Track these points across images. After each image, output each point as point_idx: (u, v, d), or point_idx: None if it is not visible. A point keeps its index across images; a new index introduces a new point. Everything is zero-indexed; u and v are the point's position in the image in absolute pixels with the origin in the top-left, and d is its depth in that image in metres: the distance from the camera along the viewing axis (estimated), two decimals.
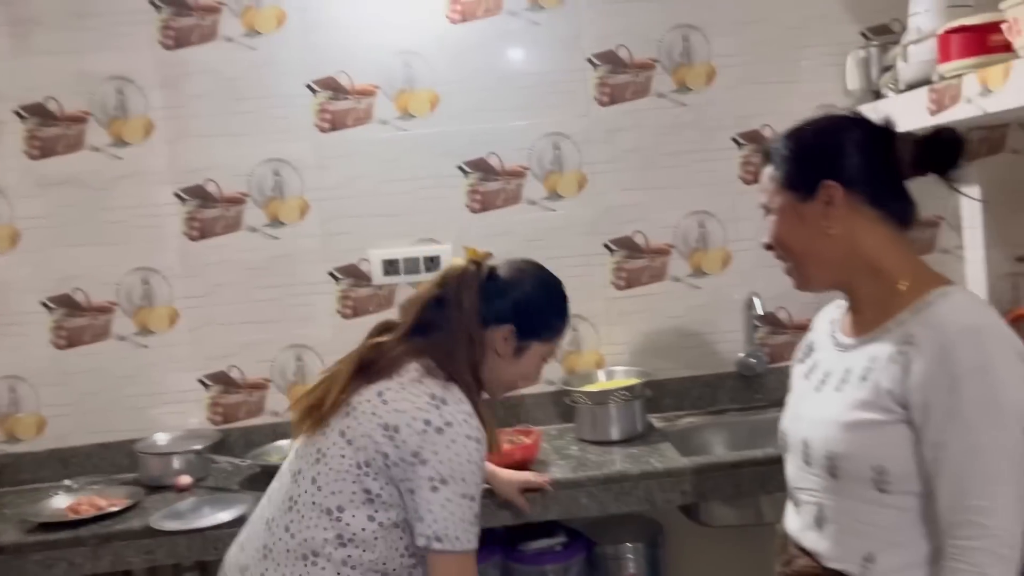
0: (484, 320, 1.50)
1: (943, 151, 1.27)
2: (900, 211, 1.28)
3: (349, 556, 1.39)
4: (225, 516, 1.99)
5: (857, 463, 1.19)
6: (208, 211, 2.44)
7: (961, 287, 1.25)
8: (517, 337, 1.53)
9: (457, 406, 1.41)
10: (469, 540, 1.39)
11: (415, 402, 1.40)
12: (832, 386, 1.27)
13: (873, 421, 1.18)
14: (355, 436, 1.41)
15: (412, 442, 1.37)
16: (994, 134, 2.39)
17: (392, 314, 2.48)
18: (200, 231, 2.44)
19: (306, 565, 1.39)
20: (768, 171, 1.33)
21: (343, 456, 1.41)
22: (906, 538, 1.17)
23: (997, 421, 1.11)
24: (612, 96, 2.49)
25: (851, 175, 1.25)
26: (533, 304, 1.56)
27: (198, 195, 2.43)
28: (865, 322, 1.28)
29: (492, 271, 1.58)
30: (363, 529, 1.39)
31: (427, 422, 1.38)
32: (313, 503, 1.41)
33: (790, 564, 1.31)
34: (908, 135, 1.28)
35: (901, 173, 1.28)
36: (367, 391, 1.45)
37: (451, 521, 1.36)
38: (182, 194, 2.43)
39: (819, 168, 1.26)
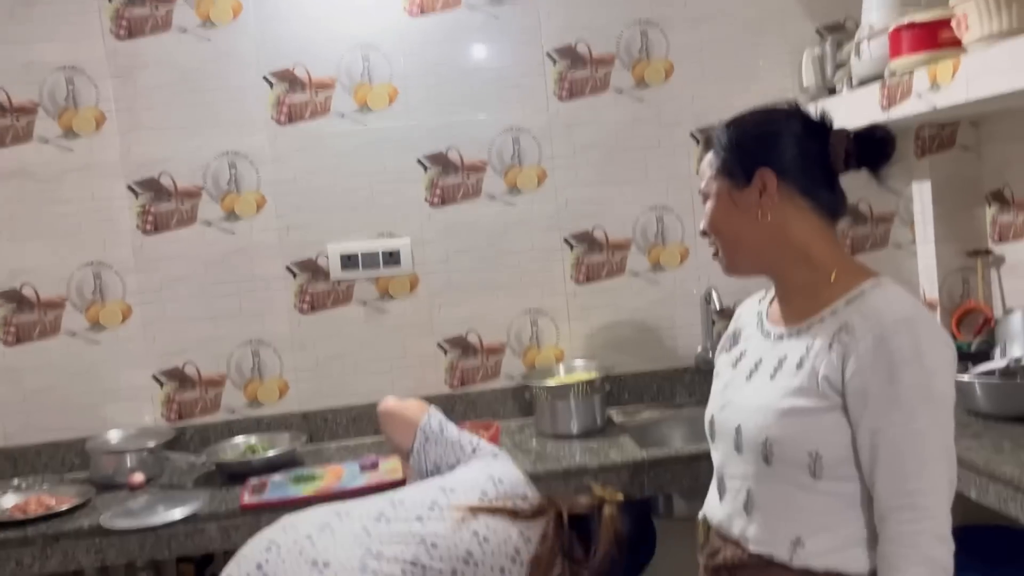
0: None
1: (874, 148, 1.30)
2: (831, 203, 1.31)
3: None
4: (179, 514, 1.95)
5: (792, 449, 1.20)
6: (162, 205, 2.40)
7: (889, 278, 1.28)
8: None
9: None
10: None
11: None
12: (765, 374, 1.29)
13: (809, 408, 1.20)
14: None
15: None
16: (944, 131, 2.43)
17: (351, 309, 2.47)
18: (154, 225, 2.40)
19: None
20: (708, 158, 1.35)
21: None
22: (834, 522, 1.20)
23: (932, 407, 1.15)
24: (571, 91, 2.50)
25: (785, 165, 1.28)
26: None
27: (152, 188, 2.39)
28: (796, 311, 1.30)
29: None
30: None
31: None
32: None
33: (715, 556, 1.32)
34: (842, 131, 1.31)
35: (834, 167, 1.30)
36: None
37: None
38: (135, 187, 2.38)
39: (755, 156, 1.28)
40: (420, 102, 2.46)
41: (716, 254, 1.37)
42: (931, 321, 1.20)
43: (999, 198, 2.38)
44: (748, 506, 1.27)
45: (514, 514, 1.52)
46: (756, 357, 1.33)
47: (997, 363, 1.98)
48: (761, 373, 1.30)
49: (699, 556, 1.39)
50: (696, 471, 2.06)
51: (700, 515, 1.46)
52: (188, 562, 2.26)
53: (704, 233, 1.37)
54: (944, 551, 1.12)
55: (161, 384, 2.42)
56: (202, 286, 2.42)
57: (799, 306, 1.30)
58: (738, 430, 1.29)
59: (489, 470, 1.63)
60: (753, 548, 1.25)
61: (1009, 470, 1.60)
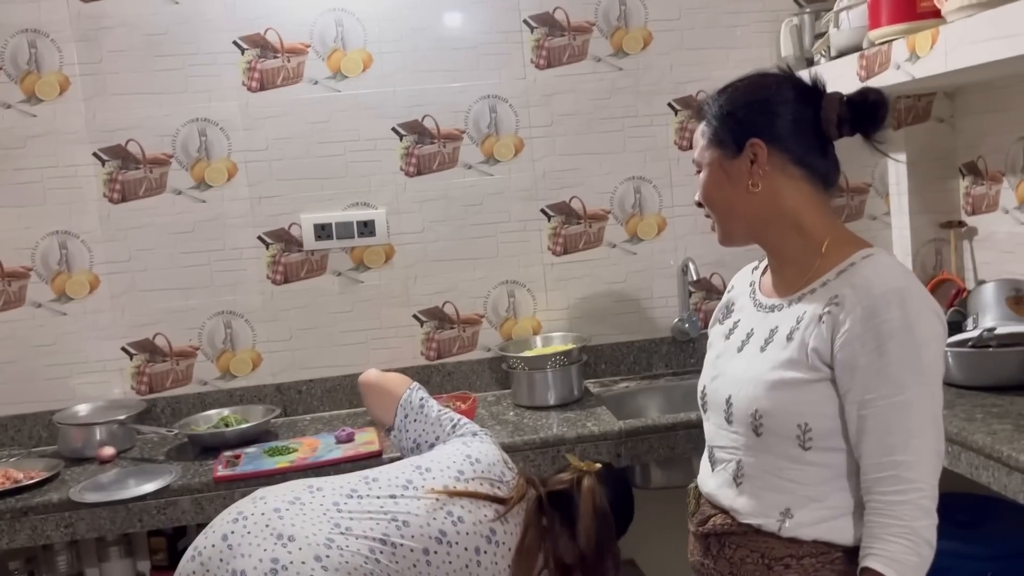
0: None
1: (868, 111, 1.27)
2: (823, 171, 1.29)
3: None
4: (150, 487, 1.92)
5: (782, 421, 1.20)
6: (130, 173, 2.34)
7: (881, 249, 1.27)
8: None
9: None
10: None
11: None
12: (756, 346, 1.28)
13: (799, 380, 1.19)
14: None
15: None
16: (921, 103, 2.44)
17: (325, 280, 2.44)
18: (121, 194, 2.34)
19: None
20: (700, 128, 1.34)
21: None
22: (823, 493, 1.20)
23: (920, 379, 1.14)
24: (549, 59, 2.46)
25: (777, 133, 1.26)
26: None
27: (119, 156, 2.33)
28: (787, 282, 1.30)
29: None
30: None
31: None
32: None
33: (705, 523, 1.32)
34: (835, 95, 1.28)
35: (827, 133, 1.28)
36: None
37: None
38: (101, 154, 2.32)
39: (745, 126, 1.26)
40: (395, 69, 2.41)
41: (714, 227, 1.36)
42: (922, 293, 1.19)
43: (973, 170, 2.40)
44: (737, 477, 1.27)
45: (492, 499, 1.52)
46: (748, 328, 1.33)
47: (969, 333, 2.00)
48: (752, 345, 1.29)
49: (689, 523, 1.39)
50: (672, 441, 2.07)
51: (692, 484, 1.46)
52: (160, 536, 2.24)
53: (699, 204, 1.35)
54: (927, 524, 1.13)
55: (131, 356, 2.38)
56: (172, 256, 2.37)
57: (790, 277, 1.29)
58: (728, 401, 1.28)
59: (467, 450, 1.62)
60: (743, 519, 1.25)
61: (980, 438, 1.62)
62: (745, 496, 1.25)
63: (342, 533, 1.40)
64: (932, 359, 1.16)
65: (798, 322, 1.22)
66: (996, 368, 1.90)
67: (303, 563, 1.35)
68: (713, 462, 1.34)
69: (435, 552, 1.42)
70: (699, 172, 1.34)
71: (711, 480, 1.33)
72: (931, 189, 2.47)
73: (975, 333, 1.98)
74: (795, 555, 1.20)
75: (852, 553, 1.18)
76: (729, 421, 1.28)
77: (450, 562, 1.43)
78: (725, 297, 1.47)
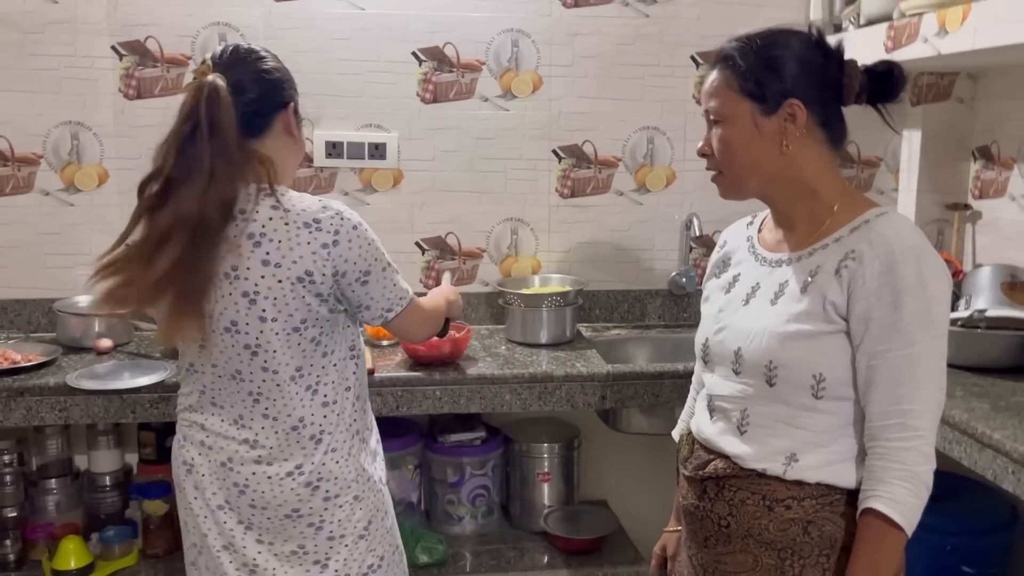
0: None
1: (887, 84, 1.30)
2: (840, 135, 1.32)
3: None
4: (145, 380, 1.97)
5: (797, 371, 1.24)
6: (147, 70, 2.33)
7: (893, 209, 1.29)
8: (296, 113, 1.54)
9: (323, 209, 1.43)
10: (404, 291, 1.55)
11: (299, 235, 1.40)
12: (765, 299, 1.30)
13: (814, 332, 1.23)
14: (272, 295, 1.41)
15: (332, 264, 1.42)
16: (943, 81, 2.42)
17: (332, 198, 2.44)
18: (137, 90, 2.33)
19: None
20: (723, 76, 1.30)
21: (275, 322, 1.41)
22: (828, 439, 1.25)
23: (930, 332, 1.19)
24: None
25: (813, 96, 1.26)
26: (269, 83, 1.49)
27: (137, 51, 2.31)
28: (796, 238, 1.32)
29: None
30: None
31: (323, 245, 1.41)
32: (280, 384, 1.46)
33: (704, 467, 1.35)
34: (856, 63, 1.30)
35: (845, 99, 1.30)
36: (236, 249, 1.39)
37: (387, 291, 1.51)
38: (120, 48, 2.31)
39: (787, 85, 1.26)
40: None
41: (717, 175, 1.34)
42: (933, 251, 1.23)
43: (985, 154, 2.40)
44: (743, 425, 1.30)
45: None
46: (752, 282, 1.35)
47: (960, 313, 2.03)
48: (760, 298, 1.31)
49: (683, 468, 1.41)
50: (658, 389, 2.12)
51: (681, 431, 1.51)
52: (149, 430, 2.29)
53: (704, 154, 1.34)
54: (928, 469, 1.19)
55: None
56: None
57: (800, 232, 1.31)
58: (737, 353, 1.30)
59: None
60: (747, 464, 1.29)
61: (958, 414, 1.66)
62: (751, 443, 1.29)
63: None
64: (941, 314, 1.21)
65: (811, 276, 1.25)
66: (983, 349, 1.94)
67: None
68: (713, 411, 1.37)
69: None
70: (716, 122, 1.31)
71: (710, 427, 1.36)
72: (942, 169, 2.47)
73: (966, 314, 2.01)
74: (796, 497, 1.25)
75: (850, 495, 1.24)
76: (737, 372, 1.31)
77: None
78: (719, 252, 1.48)
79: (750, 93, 1.27)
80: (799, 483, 1.25)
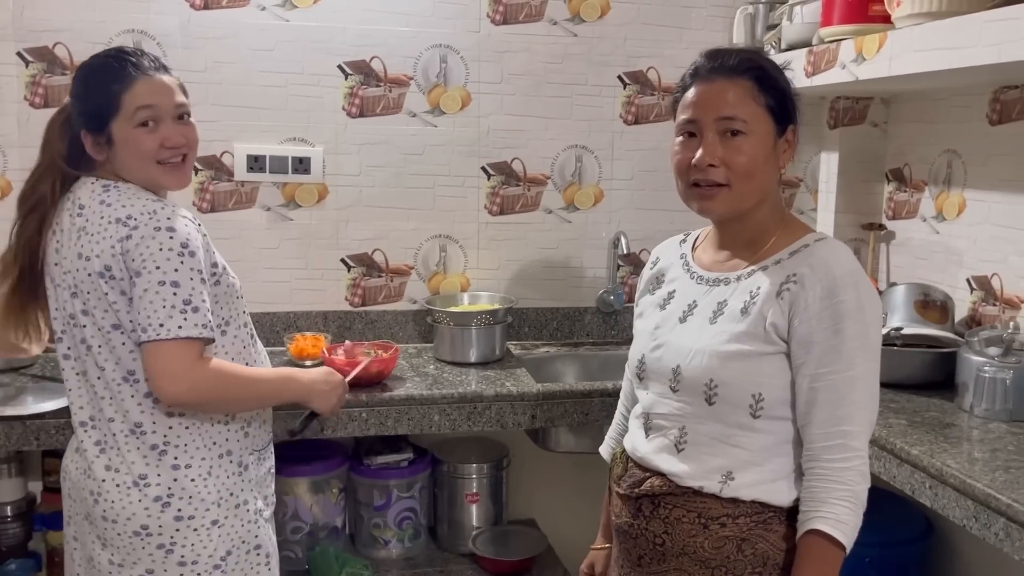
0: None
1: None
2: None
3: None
4: (50, 406, 1.86)
5: (737, 390, 1.25)
6: (55, 79, 2.22)
7: (828, 234, 1.33)
8: (97, 132, 1.49)
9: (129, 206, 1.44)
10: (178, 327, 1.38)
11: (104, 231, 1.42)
12: (704, 317, 1.31)
13: (754, 352, 1.25)
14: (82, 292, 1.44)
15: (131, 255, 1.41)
16: (858, 105, 2.51)
17: (253, 214, 2.38)
18: (44, 99, 2.22)
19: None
20: (747, 87, 1.26)
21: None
22: (764, 458, 1.27)
23: (868, 356, 1.23)
24: (505, 16, 2.44)
25: (795, 123, 1.33)
26: (80, 99, 1.51)
27: (45, 59, 2.20)
28: (736, 259, 1.33)
29: None
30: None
31: (120, 239, 1.41)
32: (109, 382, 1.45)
33: (639, 485, 1.35)
34: None
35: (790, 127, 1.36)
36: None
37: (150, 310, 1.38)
38: (26, 55, 2.19)
39: (793, 112, 1.31)
40: (347, 5, 2.34)
41: (717, 188, 1.27)
42: (867, 277, 1.27)
43: (898, 176, 2.49)
44: (680, 443, 1.30)
45: None
46: (688, 300, 1.35)
47: None
48: (698, 317, 1.32)
49: (616, 486, 1.40)
50: (587, 407, 2.11)
51: (611, 449, 1.53)
52: (55, 456, 2.17)
53: (714, 165, 1.26)
54: (865, 488, 1.23)
55: None
56: None
57: (739, 254, 1.33)
58: (676, 371, 1.31)
59: None
60: (683, 482, 1.29)
61: (876, 431, 1.70)
62: (688, 462, 1.29)
63: None
64: (877, 338, 1.25)
65: (752, 297, 1.26)
66: (899, 366, 2.00)
67: None
68: (649, 428, 1.36)
69: None
70: (736, 133, 1.25)
71: (646, 445, 1.36)
72: (858, 190, 2.56)
73: (883, 332, 2.07)
74: (731, 514, 1.26)
75: (783, 513, 1.27)
76: (675, 390, 1.31)
77: None
78: (652, 269, 1.48)
79: (771, 110, 1.27)
80: (735, 501, 1.26)
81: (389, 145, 2.42)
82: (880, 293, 2.31)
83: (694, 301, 1.34)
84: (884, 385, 1.97)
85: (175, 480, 1.44)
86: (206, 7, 2.27)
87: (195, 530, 1.45)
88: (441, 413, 2.04)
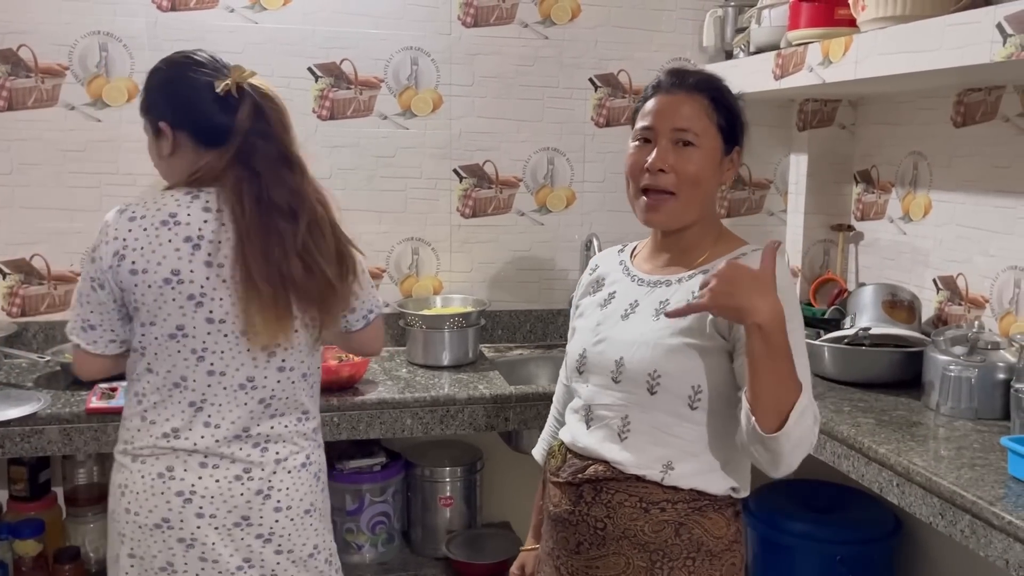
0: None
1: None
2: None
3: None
4: (15, 413, 1.82)
5: (678, 381, 1.30)
6: (19, 80, 2.18)
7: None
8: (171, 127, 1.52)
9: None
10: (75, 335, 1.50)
11: None
12: (647, 314, 1.36)
13: (697, 345, 1.30)
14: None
15: None
16: (827, 108, 2.54)
17: None
18: (8, 101, 2.18)
19: None
20: (702, 104, 1.34)
21: None
22: (700, 449, 1.32)
23: (797, 315, 1.29)
24: (476, 18, 2.43)
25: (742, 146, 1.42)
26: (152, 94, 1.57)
27: (9, 60, 2.17)
28: (675, 264, 1.40)
29: None
30: None
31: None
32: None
33: (584, 471, 1.37)
34: None
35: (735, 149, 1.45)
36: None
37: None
38: None
39: (741, 136, 1.39)
40: (317, 7, 2.33)
41: (665, 197, 1.34)
42: (795, 287, 1.37)
43: (866, 178, 2.52)
44: (623, 432, 1.34)
45: None
46: (629, 299, 1.41)
47: (846, 331, 2.11)
48: (640, 314, 1.37)
49: (555, 477, 1.42)
50: None
51: (543, 451, 1.58)
52: (21, 465, 2.13)
53: (663, 171, 1.33)
54: (816, 426, 1.26)
55: (4, 275, 2.24)
56: (58, 174, 2.24)
57: (678, 260, 1.40)
58: (619, 362, 1.35)
59: None
60: (627, 470, 1.33)
61: (845, 430, 1.72)
62: (631, 451, 1.33)
63: None
64: (799, 313, 1.33)
65: (694, 295, 1.29)
66: (867, 366, 2.02)
67: None
68: (590, 420, 1.39)
69: None
70: (687, 144, 1.33)
71: (588, 436, 1.39)
72: (826, 192, 2.59)
73: (851, 331, 2.09)
74: (671, 500, 1.31)
75: (718, 501, 1.33)
76: (617, 381, 1.35)
77: None
78: (591, 274, 1.53)
79: (721, 129, 1.36)
80: (675, 489, 1.32)
81: (360, 148, 2.41)
82: (849, 294, 2.34)
83: (635, 300, 1.40)
84: (852, 384, 2.03)
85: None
86: (173, 8, 2.25)
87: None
88: (414, 417, 2.03)
